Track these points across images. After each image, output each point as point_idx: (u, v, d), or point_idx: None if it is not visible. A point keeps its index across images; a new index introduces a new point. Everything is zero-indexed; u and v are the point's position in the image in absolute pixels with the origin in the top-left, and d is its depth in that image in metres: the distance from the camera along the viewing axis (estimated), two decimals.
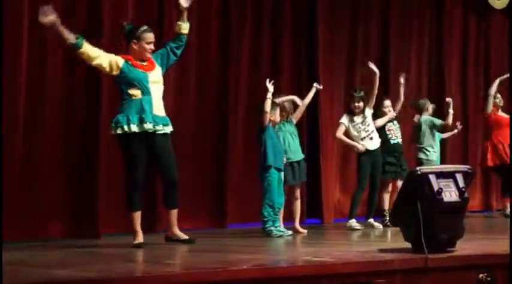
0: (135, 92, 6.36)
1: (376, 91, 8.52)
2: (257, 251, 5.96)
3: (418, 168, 5.31)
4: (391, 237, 7.37)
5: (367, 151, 8.36)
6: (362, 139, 8.38)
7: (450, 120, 9.32)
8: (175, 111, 8.04)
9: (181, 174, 7.77)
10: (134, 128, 6.29)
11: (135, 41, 6.46)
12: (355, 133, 8.40)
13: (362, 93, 8.45)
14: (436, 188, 5.11)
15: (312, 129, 9.70)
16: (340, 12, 10.10)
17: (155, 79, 6.46)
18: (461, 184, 5.20)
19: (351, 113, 8.43)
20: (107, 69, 6.39)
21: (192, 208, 8.44)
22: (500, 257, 5.17)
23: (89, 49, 6.30)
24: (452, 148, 11.16)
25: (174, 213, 6.58)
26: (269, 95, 7.43)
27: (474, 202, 11.12)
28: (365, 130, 8.39)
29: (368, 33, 10.51)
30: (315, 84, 8.41)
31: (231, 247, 6.51)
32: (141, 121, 6.30)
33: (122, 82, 6.41)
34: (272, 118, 7.55)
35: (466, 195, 5.20)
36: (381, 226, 8.39)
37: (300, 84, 9.28)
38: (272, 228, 7.34)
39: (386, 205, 8.71)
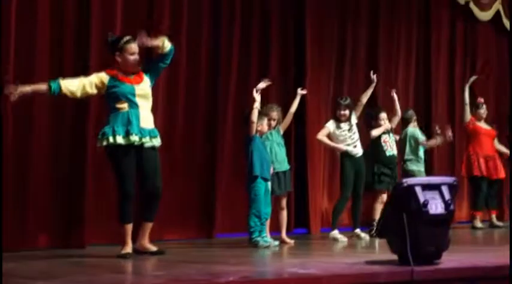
0: (122, 105, 6.32)
1: (365, 101, 8.61)
2: (243, 263, 5.94)
3: (404, 180, 5.31)
4: (378, 249, 7.37)
5: (351, 156, 8.38)
6: (347, 146, 8.40)
7: (432, 142, 9.45)
8: (164, 122, 8.08)
9: (170, 184, 7.79)
10: (120, 140, 6.24)
11: (118, 52, 6.40)
12: (340, 139, 8.41)
13: (348, 101, 8.48)
14: (422, 200, 5.11)
15: (300, 139, 9.70)
16: (328, 17, 10.13)
17: (142, 92, 6.39)
18: (447, 196, 5.20)
19: (337, 120, 8.45)
20: (95, 92, 6.36)
21: (180, 218, 8.46)
22: (485, 270, 5.17)
23: (68, 86, 6.22)
24: (439, 157, 11.19)
25: (149, 226, 6.51)
26: (256, 105, 7.42)
27: (461, 214, 11.15)
28: (350, 138, 8.42)
29: (357, 39, 10.52)
30: (298, 90, 8.41)
31: (218, 258, 6.48)
32: (127, 134, 6.25)
33: (109, 96, 6.37)
34: (259, 128, 7.55)
35: (451, 207, 5.21)
36: (367, 237, 8.40)
37: (287, 91, 9.28)
38: (258, 238, 7.33)
39: (377, 216, 8.71)
